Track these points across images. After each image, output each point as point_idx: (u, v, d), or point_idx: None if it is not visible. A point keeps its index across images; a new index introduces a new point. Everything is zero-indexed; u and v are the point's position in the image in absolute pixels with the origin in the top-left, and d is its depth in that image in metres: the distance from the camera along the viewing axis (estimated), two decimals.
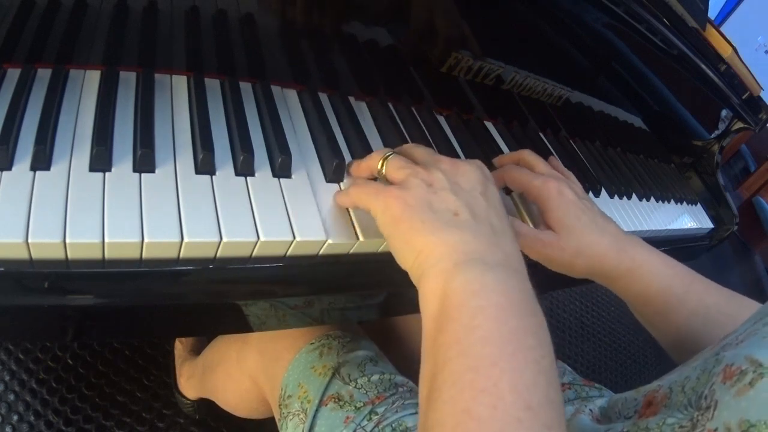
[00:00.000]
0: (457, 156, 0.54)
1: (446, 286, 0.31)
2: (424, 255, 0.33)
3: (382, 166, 0.40)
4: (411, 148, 0.42)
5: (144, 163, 0.36)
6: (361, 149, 0.47)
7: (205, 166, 0.38)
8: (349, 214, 0.42)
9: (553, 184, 0.46)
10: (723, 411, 0.25)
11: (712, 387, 0.27)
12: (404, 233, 0.34)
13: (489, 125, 0.65)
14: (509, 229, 0.37)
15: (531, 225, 0.49)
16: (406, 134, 0.53)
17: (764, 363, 0.25)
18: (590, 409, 0.43)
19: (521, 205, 0.53)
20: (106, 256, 0.32)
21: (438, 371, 0.29)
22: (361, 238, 0.40)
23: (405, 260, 0.35)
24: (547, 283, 0.49)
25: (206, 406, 0.89)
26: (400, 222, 0.34)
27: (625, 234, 0.47)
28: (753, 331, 0.29)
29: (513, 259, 0.34)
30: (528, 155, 0.52)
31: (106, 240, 0.31)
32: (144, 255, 0.33)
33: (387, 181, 0.39)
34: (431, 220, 0.34)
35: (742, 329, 0.31)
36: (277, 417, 0.58)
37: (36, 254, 0.30)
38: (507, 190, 0.55)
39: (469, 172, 0.38)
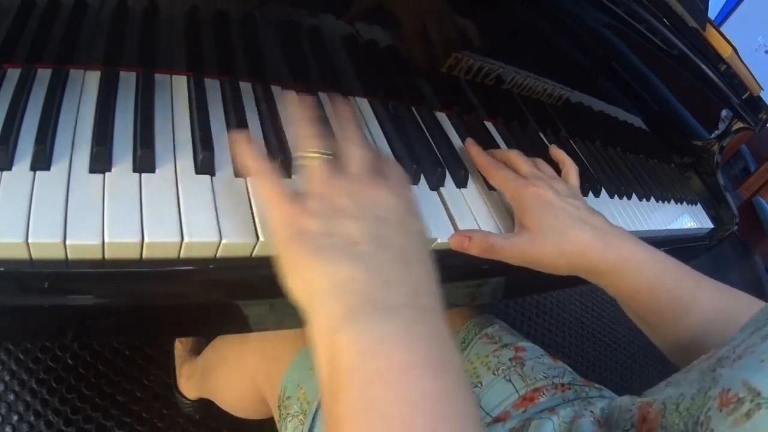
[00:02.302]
0: (455, 154, 0.54)
1: (335, 341, 0.26)
2: (313, 288, 0.29)
3: (310, 157, 0.35)
4: (349, 144, 0.36)
5: (144, 163, 0.36)
6: None
7: (205, 166, 0.38)
8: None
9: (530, 188, 0.45)
10: None
11: (708, 413, 0.26)
12: (294, 257, 0.31)
13: (489, 125, 0.65)
14: (425, 265, 0.32)
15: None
16: (406, 134, 0.53)
17: (762, 392, 0.24)
18: (591, 411, 0.43)
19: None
20: (106, 256, 0.32)
21: None
22: None
23: (292, 286, 0.31)
24: (544, 284, 0.49)
25: (206, 406, 0.89)
26: (291, 244, 0.31)
27: (613, 228, 0.46)
28: (751, 346, 0.28)
29: (422, 296, 0.30)
30: (514, 156, 0.52)
31: (106, 240, 0.31)
32: (144, 255, 0.33)
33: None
34: (324, 248, 0.30)
35: (740, 338, 0.30)
36: (276, 418, 0.58)
37: (36, 254, 0.30)
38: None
39: (385, 199, 0.33)
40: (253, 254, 0.37)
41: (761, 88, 0.85)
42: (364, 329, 0.26)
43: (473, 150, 0.54)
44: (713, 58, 0.74)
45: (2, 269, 0.30)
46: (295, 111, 0.38)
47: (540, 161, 0.53)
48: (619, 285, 0.45)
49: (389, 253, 0.30)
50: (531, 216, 0.44)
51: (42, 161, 0.33)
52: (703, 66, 0.70)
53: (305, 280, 0.30)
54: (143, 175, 0.36)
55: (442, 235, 0.44)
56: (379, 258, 0.30)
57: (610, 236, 0.44)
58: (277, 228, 0.32)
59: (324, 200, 0.32)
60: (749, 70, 0.81)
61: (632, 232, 0.51)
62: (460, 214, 0.48)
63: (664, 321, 0.44)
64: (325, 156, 0.35)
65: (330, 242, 0.30)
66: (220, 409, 0.78)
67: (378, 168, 0.36)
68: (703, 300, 0.43)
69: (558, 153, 0.57)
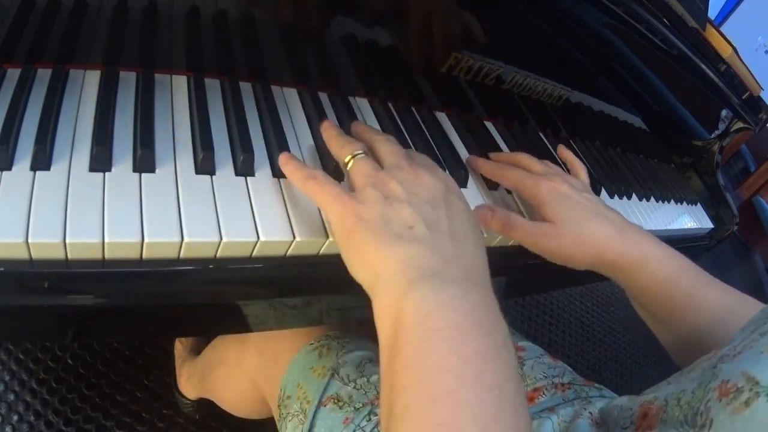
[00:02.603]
0: (455, 154, 0.54)
1: (399, 305, 0.29)
2: (376, 271, 0.31)
3: (349, 161, 0.38)
4: (378, 143, 0.40)
5: (144, 163, 0.36)
6: None
7: (205, 166, 0.38)
8: None
9: (545, 181, 0.46)
10: (718, 430, 0.25)
11: (708, 404, 0.26)
12: (357, 246, 0.33)
13: (489, 125, 0.65)
14: (473, 241, 0.35)
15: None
16: (406, 134, 0.53)
17: (761, 381, 0.24)
18: (590, 412, 0.43)
19: (521, 204, 0.53)
20: (106, 256, 0.32)
21: (394, 401, 0.27)
22: None
23: (358, 274, 0.33)
24: (548, 282, 0.49)
25: (206, 406, 0.89)
26: (353, 234, 0.33)
27: (630, 224, 0.46)
28: (750, 342, 0.28)
29: (475, 272, 0.33)
30: (523, 157, 0.52)
31: (106, 240, 0.31)
32: (144, 255, 0.33)
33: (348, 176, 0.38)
34: (384, 233, 0.32)
35: (740, 337, 0.30)
36: (276, 417, 0.58)
37: (36, 254, 0.30)
38: (508, 189, 0.55)
39: (429, 182, 0.36)
40: (254, 254, 0.37)
41: (761, 88, 0.85)
42: (425, 295, 0.29)
43: (478, 162, 0.53)
44: (713, 58, 0.74)
45: (2, 269, 0.30)
46: (325, 133, 0.42)
47: (548, 161, 0.53)
48: (636, 281, 0.44)
49: (441, 234, 0.33)
50: (550, 209, 0.44)
51: (42, 161, 0.33)
52: (703, 66, 0.70)
53: (369, 265, 0.32)
54: (143, 174, 0.36)
55: None
56: (433, 239, 0.32)
57: (629, 232, 0.44)
58: (337, 223, 0.34)
59: (375, 190, 0.35)
60: (749, 70, 0.81)
61: None
62: None
63: (674, 318, 0.44)
64: (361, 154, 0.38)
65: (387, 229, 0.32)
66: (220, 409, 0.78)
67: (411, 157, 0.39)
68: (713, 299, 0.43)
69: (566, 153, 0.57)
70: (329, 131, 0.42)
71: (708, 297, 0.43)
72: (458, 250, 0.33)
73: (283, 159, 0.39)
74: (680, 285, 0.43)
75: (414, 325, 0.28)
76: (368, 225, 0.33)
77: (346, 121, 0.50)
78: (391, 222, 0.33)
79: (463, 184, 0.51)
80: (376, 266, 0.31)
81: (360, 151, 0.38)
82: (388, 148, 0.39)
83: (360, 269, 0.33)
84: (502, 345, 0.28)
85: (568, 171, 0.56)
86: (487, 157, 0.55)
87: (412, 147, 0.52)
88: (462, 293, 0.30)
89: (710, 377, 0.28)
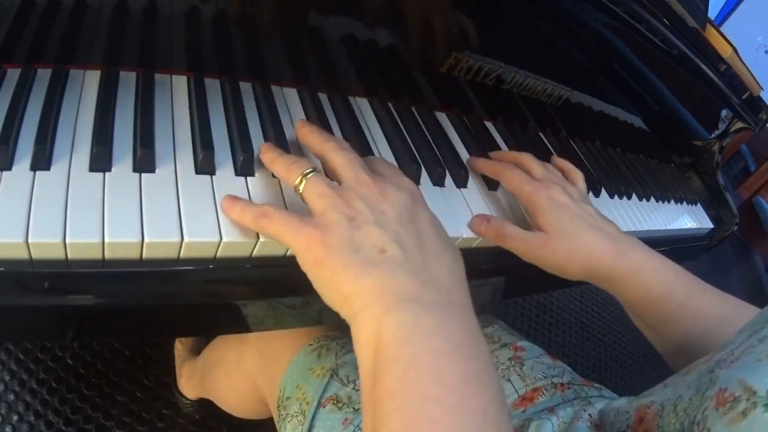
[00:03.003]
0: (455, 154, 0.54)
1: (378, 334, 0.29)
2: (350, 301, 0.30)
3: (300, 183, 0.35)
4: (330, 151, 0.37)
5: (144, 163, 0.36)
6: (361, 149, 0.47)
7: (205, 166, 0.38)
8: None
9: (543, 191, 0.45)
10: None
11: (705, 413, 0.26)
12: (328, 278, 0.31)
13: (489, 125, 0.65)
14: (450, 254, 0.34)
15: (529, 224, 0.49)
16: (405, 134, 0.53)
17: (758, 391, 0.24)
18: (589, 414, 0.43)
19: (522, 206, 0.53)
20: (106, 256, 0.32)
21: (377, 428, 0.27)
22: None
23: (333, 305, 0.32)
24: (548, 282, 0.49)
25: (206, 406, 0.89)
26: (323, 266, 0.31)
27: (624, 236, 0.46)
28: (748, 348, 0.28)
29: (453, 292, 0.32)
30: (526, 159, 0.52)
31: (106, 240, 0.31)
32: (144, 255, 0.33)
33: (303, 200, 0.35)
34: (355, 262, 0.30)
35: (738, 341, 0.30)
36: (276, 418, 0.58)
37: (36, 254, 0.30)
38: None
39: (395, 197, 0.34)
40: (254, 254, 0.37)
41: (761, 88, 0.85)
42: (404, 322, 0.28)
43: (479, 163, 0.53)
44: (713, 58, 0.74)
45: (2, 269, 0.30)
46: (264, 158, 0.38)
47: (550, 165, 0.53)
48: (630, 292, 0.44)
49: (414, 254, 0.32)
50: (546, 219, 0.44)
51: (42, 161, 0.33)
52: (703, 66, 0.70)
53: (343, 295, 0.31)
54: (143, 174, 0.36)
55: None
56: (407, 261, 0.31)
57: (624, 244, 0.44)
58: (303, 257, 0.32)
59: (337, 213, 0.32)
60: (749, 70, 0.81)
61: (632, 232, 0.52)
62: (460, 215, 0.48)
63: (670, 328, 0.44)
64: (311, 173, 0.35)
65: (358, 256, 0.31)
66: (220, 409, 0.78)
67: (369, 166, 0.36)
68: (708, 308, 0.43)
69: (561, 162, 0.57)
70: (268, 155, 0.38)
71: (703, 306, 0.43)
72: (434, 269, 0.32)
73: (225, 205, 0.35)
74: (675, 296, 0.43)
75: (394, 354, 0.28)
76: (337, 254, 0.31)
77: (346, 121, 0.50)
78: (361, 247, 0.31)
79: (463, 184, 0.51)
80: (351, 296, 0.30)
81: (309, 169, 0.35)
82: (342, 158, 0.36)
83: (335, 301, 0.32)
84: (484, 368, 0.28)
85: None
86: (488, 158, 0.55)
87: (412, 147, 0.52)
88: (441, 318, 0.29)
89: (707, 384, 0.28)
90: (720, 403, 0.25)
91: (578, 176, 0.55)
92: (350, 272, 0.30)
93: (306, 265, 0.32)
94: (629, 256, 0.44)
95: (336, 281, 0.31)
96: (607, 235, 0.44)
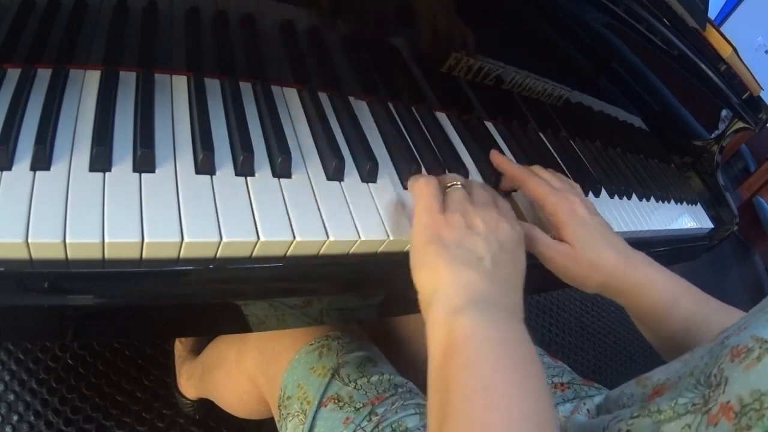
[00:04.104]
0: (455, 154, 0.54)
1: (456, 319, 0.33)
2: (438, 285, 0.36)
3: (450, 186, 0.43)
4: (476, 188, 0.44)
5: (144, 163, 0.36)
6: (361, 148, 0.47)
7: (205, 166, 0.38)
8: (350, 212, 0.42)
9: (566, 203, 0.47)
10: (734, 385, 0.27)
11: (721, 366, 0.29)
12: (429, 257, 0.37)
13: (489, 125, 0.65)
14: (520, 291, 0.39)
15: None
16: (405, 134, 0.53)
17: None
18: (587, 409, 0.44)
19: (522, 208, 0.53)
20: (106, 256, 0.32)
21: (450, 392, 0.30)
22: (362, 237, 0.40)
23: (419, 279, 0.37)
24: (549, 282, 0.49)
25: (206, 406, 0.88)
26: (430, 246, 0.37)
27: (632, 250, 0.48)
28: (755, 318, 0.30)
29: (517, 313, 0.36)
30: (538, 170, 0.52)
31: (106, 240, 0.31)
32: (144, 255, 0.33)
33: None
34: (456, 256, 0.36)
35: (744, 319, 0.32)
36: (276, 418, 0.58)
37: (36, 254, 0.30)
38: (506, 193, 0.55)
39: (507, 230, 0.41)
40: (254, 254, 0.37)
41: (761, 88, 0.85)
42: (477, 315, 0.33)
43: (500, 159, 0.54)
44: (713, 58, 0.74)
45: (2, 269, 0.30)
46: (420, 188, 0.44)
47: (560, 175, 0.53)
48: (639, 303, 0.46)
49: (501, 274, 0.38)
50: (570, 231, 0.46)
51: (42, 161, 0.33)
52: (703, 66, 0.70)
53: (434, 276, 0.36)
54: (143, 174, 0.36)
55: None
56: (494, 275, 0.37)
57: (635, 259, 0.47)
58: (421, 229, 0.39)
59: (461, 218, 0.39)
60: (749, 70, 0.81)
61: (632, 232, 0.52)
62: None
63: (678, 339, 0.45)
64: (458, 186, 0.44)
65: (461, 253, 0.37)
66: (221, 409, 0.78)
67: (498, 204, 0.43)
68: (715, 320, 0.44)
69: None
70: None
71: (710, 318, 0.44)
72: (509, 292, 0.37)
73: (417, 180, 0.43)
74: (681, 307, 0.45)
75: (470, 335, 0.32)
76: (446, 244, 0.37)
77: (346, 121, 0.50)
78: (466, 249, 0.37)
79: None
80: (440, 280, 0.36)
81: (458, 183, 0.44)
82: (482, 194, 0.44)
83: (424, 276, 0.37)
84: (540, 368, 0.33)
85: None
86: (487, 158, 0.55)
87: (413, 147, 0.52)
88: (511, 321, 0.34)
89: (719, 350, 0.30)
90: (735, 356, 0.28)
91: (578, 187, 0.55)
92: (449, 262, 0.36)
93: (419, 238, 0.39)
94: (641, 270, 0.46)
95: (435, 263, 0.36)
96: (619, 250, 0.47)
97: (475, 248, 0.38)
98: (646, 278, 0.46)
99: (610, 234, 0.48)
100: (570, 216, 0.46)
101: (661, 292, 0.45)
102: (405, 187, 0.48)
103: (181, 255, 0.35)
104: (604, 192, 0.68)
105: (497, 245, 0.39)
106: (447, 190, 0.43)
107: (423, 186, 0.42)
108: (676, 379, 0.34)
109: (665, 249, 0.77)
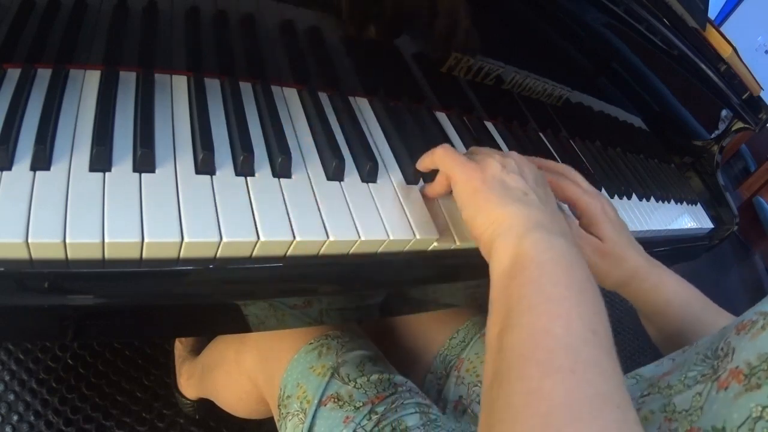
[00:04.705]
0: None
1: (519, 245, 0.36)
2: (497, 223, 0.38)
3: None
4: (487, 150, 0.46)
5: (144, 163, 0.36)
6: (361, 148, 0.47)
7: (205, 166, 0.38)
8: (350, 212, 0.42)
9: (599, 202, 0.50)
10: (741, 352, 0.28)
11: (727, 340, 0.31)
12: (480, 204, 0.39)
13: (489, 125, 0.65)
14: (563, 219, 0.42)
15: None
16: (405, 134, 0.53)
17: None
18: None
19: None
20: (106, 256, 0.32)
21: (513, 306, 0.33)
22: (362, 237, 0.40)
23: (477, 227, 0.40)
24: None
25: (206, 406, 0.88)
26: (478, 193, 0.40)
27: (647, 254, 0.50)
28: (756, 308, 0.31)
29: (570, 237, 0.39)
30: (571, 172, 0.52)
31: (106, 240, 0.31)
32: (144, 255, 0.33)
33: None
34: (505, 195, 0.39)
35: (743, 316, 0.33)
36: (276, 417, 0.58)
37: (36, 254, 0.30)
38: None
39: (534, 170, 0.44)
40: (254, 254, 0.37)
41: (761, 88, 0.85)
42: (540, 238, 0.36)
43: (535, 160, 0.53)
44: (713, 58, 0.74)
45: (2, 269, 0.30)
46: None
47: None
48: (653, 303, 0.49)
49: (546, 205, 0.40)
50: (600, 228, 0.49)
51: (42, 161, 0.33)
52: (703, 66, 0.71)
53: (491, 218, 0.39)
54: (143, 174, 0.36)
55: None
56: (542, 205, 0.40)
57: (653, 261, 0.49)
58: (462, 184, 0.41)
59: (495, 161, 0.42)
60: (749, 70, 0.81)
61: (633, 232, 0.52)
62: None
63: (684, 340, 0.46)
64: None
65: (507, 192, 0.40)
66: (221, 409, 0.78)
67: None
68: (722, 323, 0.45)
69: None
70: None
71: (718, 323, 0.45)
72: (559, 220, 0.40)
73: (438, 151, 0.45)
74: (691, 310, 0.47)
75: (533, 256, 0.35)
76: (492, 187, 0.40)
77: (346, 121, 0.50)
78: (510, 188, 0.40)
79: None
80: (499, 219, 0.38)
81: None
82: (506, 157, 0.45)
83: (480, 223, 0.39)
84: (595, 285, 0.35)
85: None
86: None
87: (411, 147, 0.52)
88: (568, 243, 0.37)
89: (722, 333, 0.32)
90: (740, 329, 0.30)
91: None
92: (501, 201, 0.39)
93: (464, 194, 0.41)
94: (657, 273, 0.49)
95: (487, 207, 0.39)
96: (640, 251, 0.49)
97: (518, 185, 0.40)
98: (661, 279, 0.48)
99: (631, 236, 0.51)
100: (602, 214, 0.49)
101: (675, 293, 0.48)
102: (407, 184, 0.48)
103: (181, 255, 0.35)
104: (604, 192, 0.68)
105: (533, 181, 0.42)
106: (466, 154, 0.45)
107: (442, 151, 0.43)
108: (682, 363, 0.36)
109: (665, 249, 0.77)
